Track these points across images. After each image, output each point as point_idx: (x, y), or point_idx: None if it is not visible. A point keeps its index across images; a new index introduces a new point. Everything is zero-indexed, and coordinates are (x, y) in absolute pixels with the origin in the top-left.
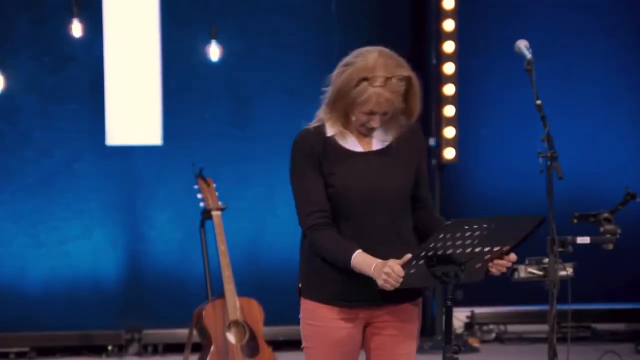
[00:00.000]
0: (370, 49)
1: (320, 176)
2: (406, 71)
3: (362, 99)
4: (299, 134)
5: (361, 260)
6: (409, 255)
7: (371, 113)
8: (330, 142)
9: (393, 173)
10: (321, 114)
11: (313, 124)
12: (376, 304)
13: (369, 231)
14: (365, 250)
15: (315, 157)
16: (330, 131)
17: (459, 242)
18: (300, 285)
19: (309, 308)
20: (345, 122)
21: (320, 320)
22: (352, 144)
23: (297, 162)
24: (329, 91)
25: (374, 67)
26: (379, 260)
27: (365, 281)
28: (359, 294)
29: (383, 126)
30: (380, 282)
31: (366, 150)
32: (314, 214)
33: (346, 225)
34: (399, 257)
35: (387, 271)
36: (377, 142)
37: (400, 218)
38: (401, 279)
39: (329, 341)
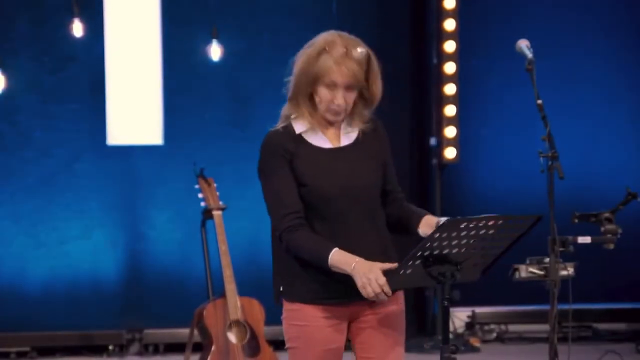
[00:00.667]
0: (326, 32)
1: (292, 176)
2: (364, 48)
3: (324, 70)
4: (266, 135)
5: (339, 258)
6: (394, 265)
7: (334, 85)
8: (300, 140)
9: (364, 168)
10: (286, 110)
11: (280, 124)
12: (358, 299)
13: (345, 229)
14: (343, 248)
15: (286, 156)
16: (298, 128)
17: (454, 242)
18: (281, 289)
19: (293, 309)
20: (313, 112)
21: (306, 320)
22: (322, 140)
23: (267, 163)
24: (291, 80)
25: (333, 40)
26: (360, 259)
27: (345, 279)
28: (340, 291)
29: (347, 118)
30: (359, 283)
31: (336, 146)
32: (288, 216)
33: (322, 224)
34: (377, 253)
35: (370, 277)
36: (345, 138)
37: (375, 214)
38: (380, 290)
39: (316, 340)
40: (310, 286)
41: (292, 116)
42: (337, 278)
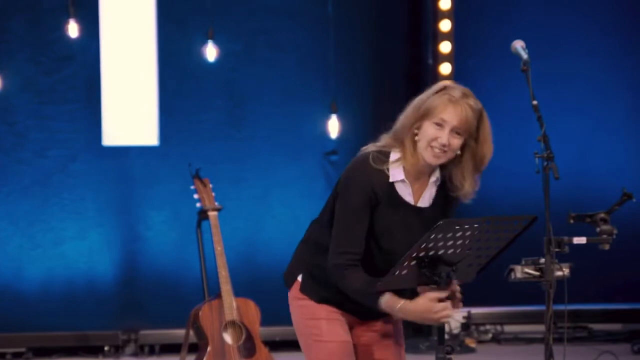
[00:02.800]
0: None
1: (368, 220)
2: (480, 103)
3: (436, 106)
4: (363, 163)
5: (388, 302)
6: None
7: (442, 123)
8: (391, 190)
9: (422, 230)
10: (387, 143)
11: (377, 158)
12: (357, 316)
13: (378, 264)
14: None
15: (374, 203)
16: (393, 175)
17: (450, 243)
18: (300, 278)
19: (305, 304)
20: (414, 154)
21: (320, 314)
22: (407, 193)
23: (354, 198)
24: (400, 117)
25: (453, 86)
26: (404, 304)
27: (355, 306)
28: (342, 304)
29: (448, 178)
30: (434, 320)
31: (413, 204)
32: (347, 255)
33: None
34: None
35: (437, 309)
36: (426, 198)
37: None
38: (450, 313)
39: (335, 332)
40: (320, 292)
41: (392, 159)
42: (350, 299)
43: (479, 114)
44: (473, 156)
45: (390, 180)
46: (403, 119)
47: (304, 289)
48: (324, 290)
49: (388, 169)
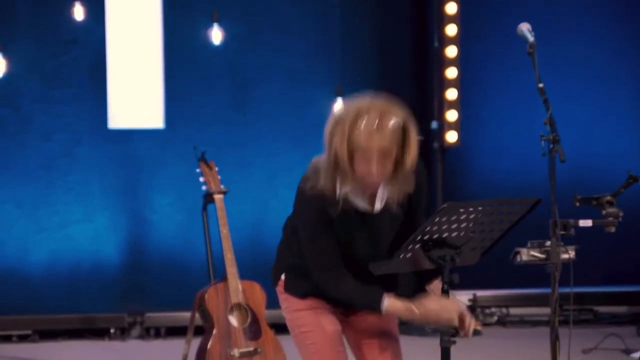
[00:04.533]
0: (362, 97)
1: (333, 233)
2: (400, 117)
3: (357, 144)
4: (310, 192)
5: (394, 307)
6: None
7: (369, 157)
8: (342, 202)
9: (384, 237)
10: (325, 170)
11: (320, 181)
12: (343, 307)
13: (355, 268)
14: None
15: (330, 220)
16: (344, 188)
17: (454, 226)
18: (283, 277)
19: (289, 298)
20: (355, 177)
21: (307, 306)
22: (361, 201)
23: (311, 224)
24: (327, 147)
25: (367, 108)
26: (417, 306)
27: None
28: (326, 297)
29: (387, 185)
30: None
31: (369, 211)
32: (326, 269)
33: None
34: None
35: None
36: (378, 202)
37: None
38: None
39: (324, 320)
40: (307, 289)
41: (338, 193)
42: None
43: (402, 131)
44: (403, 164)
45: (343, 191)
46: (333, 156)
47: (287, 287)
48: (306, 286)
49: (337, 185)
